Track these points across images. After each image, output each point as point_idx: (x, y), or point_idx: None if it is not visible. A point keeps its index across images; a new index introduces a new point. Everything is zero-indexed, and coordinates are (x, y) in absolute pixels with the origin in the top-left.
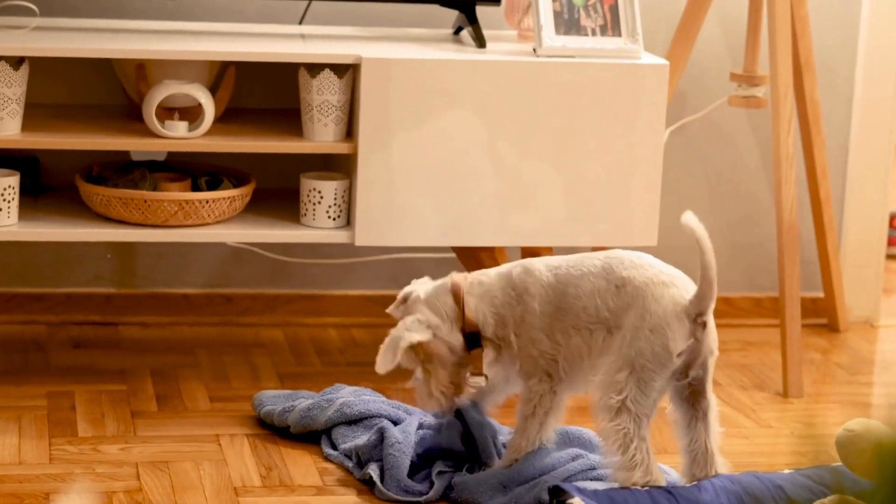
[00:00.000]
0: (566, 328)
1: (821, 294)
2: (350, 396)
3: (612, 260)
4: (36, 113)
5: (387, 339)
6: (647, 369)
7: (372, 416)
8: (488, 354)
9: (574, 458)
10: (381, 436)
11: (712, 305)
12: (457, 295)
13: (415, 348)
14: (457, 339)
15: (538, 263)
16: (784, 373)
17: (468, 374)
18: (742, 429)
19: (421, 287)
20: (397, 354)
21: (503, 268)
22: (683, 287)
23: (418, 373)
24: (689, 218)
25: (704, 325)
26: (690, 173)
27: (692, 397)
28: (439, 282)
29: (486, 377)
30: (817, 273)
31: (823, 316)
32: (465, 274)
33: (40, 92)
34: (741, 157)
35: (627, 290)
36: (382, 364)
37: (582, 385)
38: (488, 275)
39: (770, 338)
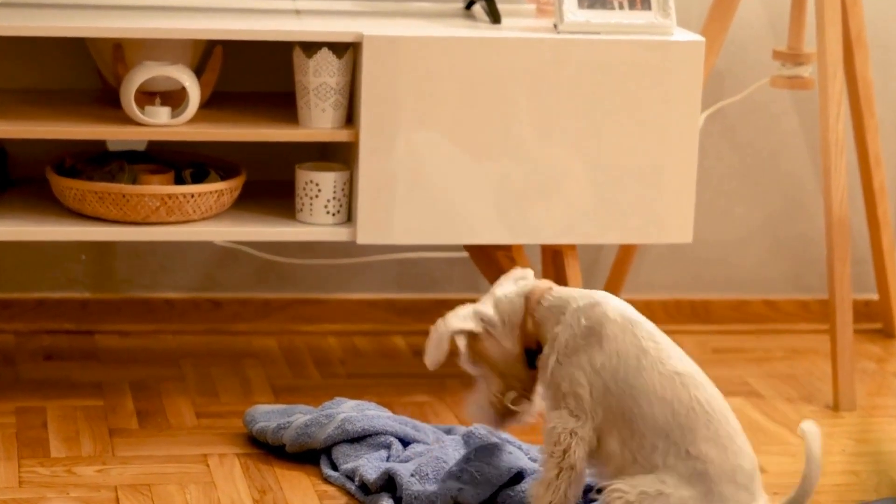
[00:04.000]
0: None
1: (875, 296)
2: (352, 411)
3: (697, 409)
4: (2, 99)
5: (433, 329)
6: None
7: (376, 433)
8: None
9: None
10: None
11: None
12: (529, 299)
13: (473, 349)
14: (511, 346)
15: (628, 314)
16: (834, 383)
17: (512, 397)
18: (788, 446)
19: (510, 280)
20: (443, 345)
21: (587, 291)
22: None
23: (480, 382)
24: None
25: None
26: (728, 162)
27: None
28: (527, 281)
29: (530, 402)
30: (871, 273)
31: (878, 320)
32: (551, 283)
33: (6, 75)
34: (785, 144)
35: (697, 468)
36: (430, 358)
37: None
38: (569, 289)
39: (819, 345)
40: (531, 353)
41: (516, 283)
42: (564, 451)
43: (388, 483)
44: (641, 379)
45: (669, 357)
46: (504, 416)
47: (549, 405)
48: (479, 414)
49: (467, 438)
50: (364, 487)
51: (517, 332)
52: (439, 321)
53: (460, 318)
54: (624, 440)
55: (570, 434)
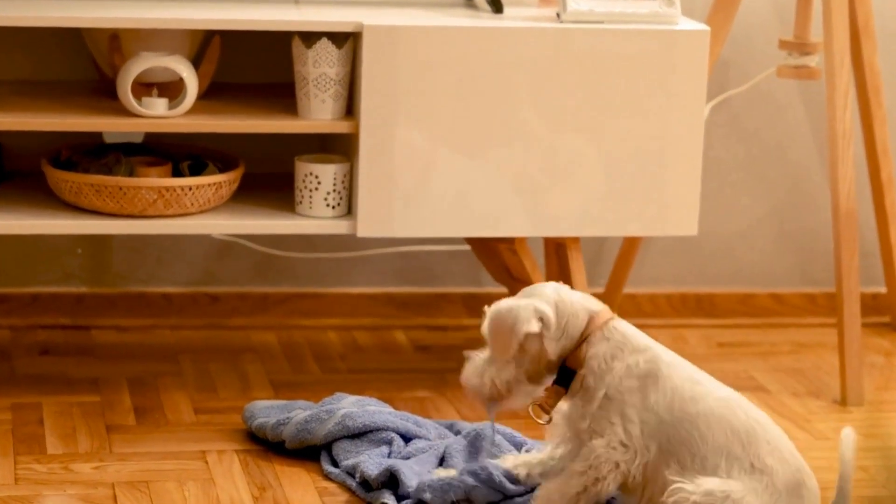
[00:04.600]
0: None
1: (883, 289)
2: (352, 407)
3: (756, 427)
4: None
5: (495, 315)
6: None
7: (378, 429)
8: (573, 403)
9: None
10: (393, 473)
11: None
12: (593, 320)
13: None
14: (552, 353)
15: (679, 358)
16: (842, 378)
17: (533, 404)
18: (795, 441)
19: (564, 287)
20: (513, 345)
21: (648, 339)
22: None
23: (485, 352)
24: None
25: None
26: (734, 153)
27: None
28: (587, 297)
29: (551, 419)
30: (878, 265)
31: (886, 313)
32: (613, 313)
33: (1, 66)
34: (791, 135)
35: (763, 481)
36: (504, 351)
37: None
38: (629, 327)
39: (826, 339)
40: (567, 371)
41: (583, 295)
42: (597, 479)
43: (390, 479)
44: (697, 404)
45: (722, 387)
46: (495, 398)
47: (592, 429)
48: (475, 382)
49: (471, 438)
50: (365, 484)
51: (565, 343)
52: (503, 312)
53: (529, 319)
54: (684, 465)
55: (614, 465)
